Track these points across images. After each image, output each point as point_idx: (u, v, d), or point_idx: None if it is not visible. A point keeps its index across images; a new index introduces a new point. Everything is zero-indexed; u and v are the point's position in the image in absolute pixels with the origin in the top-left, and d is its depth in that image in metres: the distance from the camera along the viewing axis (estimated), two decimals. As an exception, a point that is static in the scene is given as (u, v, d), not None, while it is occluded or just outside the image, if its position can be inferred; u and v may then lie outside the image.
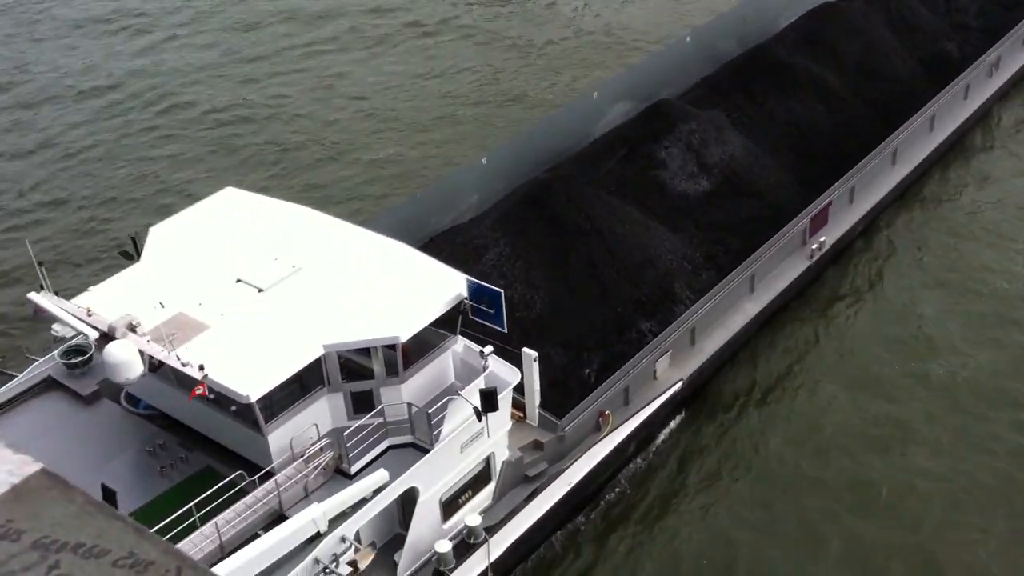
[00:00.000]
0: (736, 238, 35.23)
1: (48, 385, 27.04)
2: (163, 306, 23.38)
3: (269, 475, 23.16)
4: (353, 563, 22.01)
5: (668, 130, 37.27)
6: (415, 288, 24.64)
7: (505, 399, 24.99)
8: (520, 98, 48.57)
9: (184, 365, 21.81)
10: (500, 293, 24.19)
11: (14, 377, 27.08)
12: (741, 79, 42.20)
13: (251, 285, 24.90)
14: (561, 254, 32.12)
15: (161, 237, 26.99)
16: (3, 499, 4.23)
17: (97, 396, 26.59)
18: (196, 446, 24.75)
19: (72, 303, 23.94)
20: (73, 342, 27.54)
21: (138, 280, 25.17)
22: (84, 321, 23.18)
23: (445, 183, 36.28)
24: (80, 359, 27.03)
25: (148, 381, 24.85)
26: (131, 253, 27.07)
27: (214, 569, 20.91)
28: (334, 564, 21.86)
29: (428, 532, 24.63)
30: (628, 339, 31.21)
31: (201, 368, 21.53)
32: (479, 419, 23.96)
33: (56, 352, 27.25)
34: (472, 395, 23.93)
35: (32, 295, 24.24)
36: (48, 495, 4.28)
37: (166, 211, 33.84)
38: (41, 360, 27.39)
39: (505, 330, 24.82)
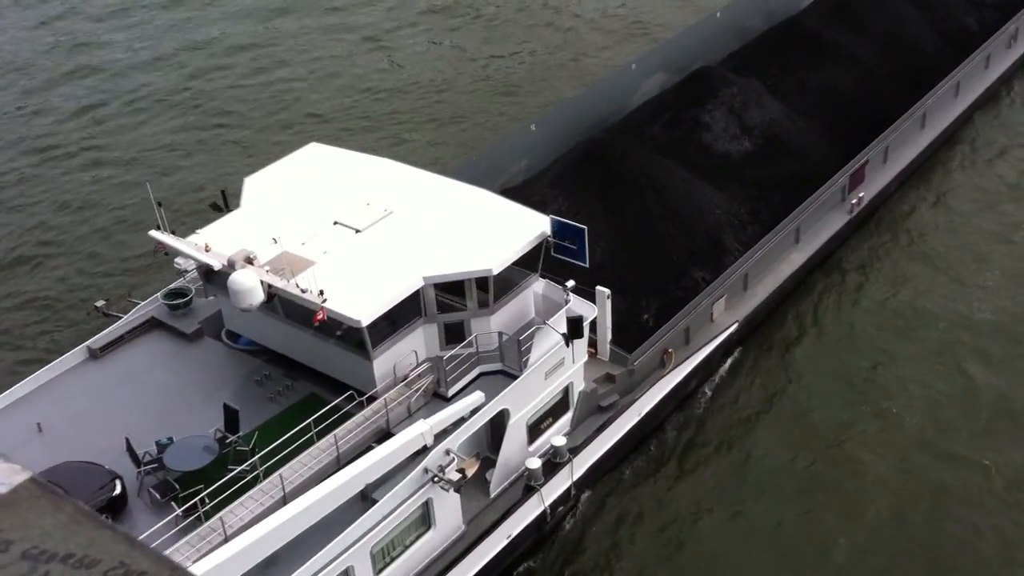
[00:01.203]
0: (777, 196, 37.20)
1: (152, 325, 28.96)
2: (276, 241, 25.28)
3: (373, 399, 25.09)
4: (461, 471, 23.92)
5: (711, 95, 39.26)
6: (502, 227, 26.57)
7: (585, 330, 26.95)
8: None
9: (303, 292, 23.71)
10: (584, 229, 26.14)
11: (119, 319, 28.95)
12: (773, 50, 44.20)
13: (348, 227, 26.80)
14: (618, 208, 34.06)
15: (256, 186, 28.88)
16: None
17: (199, 334, 28.51)
18: (299, 376, 26.67)
19: (189, 240, 25.86)
20: (174, 285, 29.51)
21: (242, 223, 27.05)
22: (205, 255, 25.07)
23: (496, 149, 38.15)
24: (181, 300, 28.96)
25: (251, 317, 26.81)
26: (220, 205, 28.92)
27: (334, 477, 22.87)
28: (442, 473, 23.77)
29: (516, 452, 26.58)
30: (683, 286, 33.17)
31: (321, 293, 23.44)
32: (567, 344, 25.91)
33: (159, 294, 29.19)
34: (558, 324, 25.91)
35: (153, 232, 26.17)
36: (37, 504, 4.18)
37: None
38: (144, 303, 29.26)
39: (587, 265, 26.76)
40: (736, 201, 36.67)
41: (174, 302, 28.87)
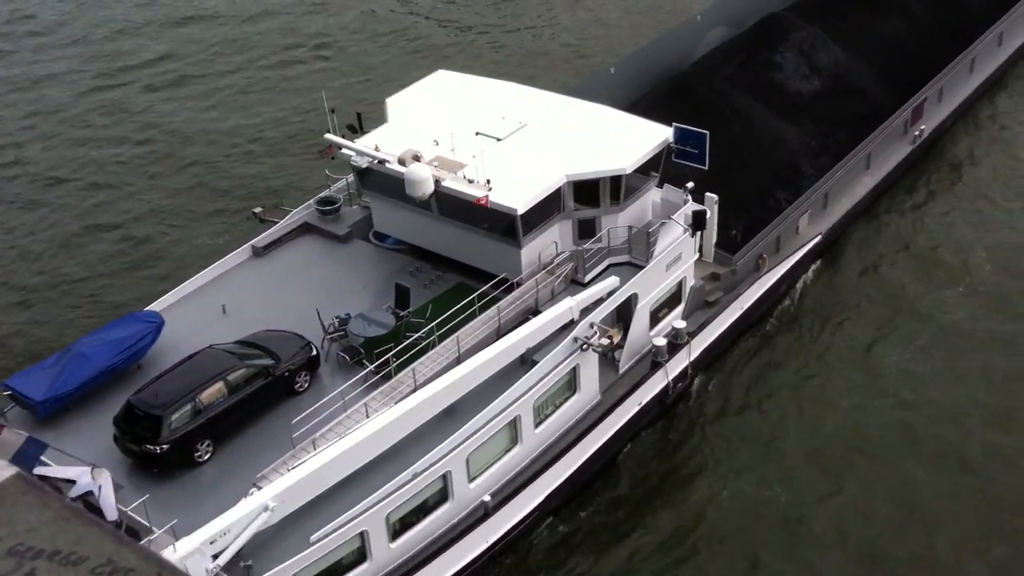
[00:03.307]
0: (843, 131, 40.59)
1: (305, 229, 32.33)
2: (437, 144, 28.63)
3: (518, 286, 28.49)
4: (610, 337, 27.37)
5: (782, 38, 42.65)
6: (629, 135, 30.00)
7: (709, 223, 30.36)
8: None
9: (471, 182, 27.08)
10: (706, 134, 29.56)
11: (275, 224, 32.30)
12: (831, 3, 47.56)
13: (490, 136, 30.14)
14: (706, 136, 37.40)
15: (398, 105, 32.19)
16: None
17: (350, 236, 31.89)
18: (446, 268, 30.06)
19: (359, 142, 29.24)
20: (323, 194, 32.87)
21: (394, 134, 30.35)
22: (378, 152, 28.42)
23: (576, 91, 41.37)
24: (331, 207, 32.32)
25: (401, 217, 30.25)
26: (356, 127, 32.16)
27: (496, 344, 26.28)
28: (591, 340, 27.21)
29: (641, 335, 29.98)
30: (767, 206, 36.57)
31: (488, 182, 26.81)
32: (692, 234, 29.36)
33: (312, 201, 32.54)
34: (683, 218, 29.37)
35: (328, 135, 29.48)
36: (23, 500, 4.11)
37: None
38: (297, 210, 32.61)
39: (706, 167, 30.19)
40: (808, 134, 40.03)
41: (325, 208, 32.23)
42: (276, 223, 32.31)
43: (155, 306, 28.94)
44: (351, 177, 32.73)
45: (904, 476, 28.40)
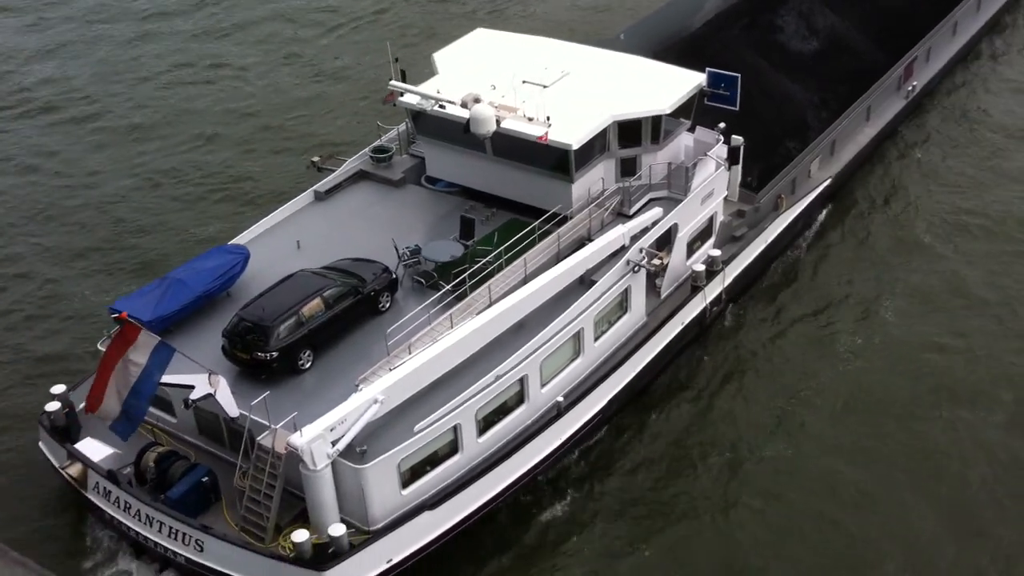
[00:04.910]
0: (843, 87, 43.65)
1: (361, 176, 34.72)
2: (495, 88, 31.14)
3: (568, 220, 31.09)
4: (660, 259, 30.11)
5: (782, 2, 45.73)
6: (665, 80, 32.77)
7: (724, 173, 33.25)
8: None
9: (531, 120, 29.62)
10: (737, 76, 32.43)
11: (332, 172, 34.66)
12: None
13: (536, 84, 32.68)
14: (720, 89, 40.23)
15: (445, 58, 34.64)
16: None
17: (403, 181, 34.32)
18: (497, 207, 32.57)
19: (420, 88, 31.70)
20: (376, 144, 35.24)
21: (448, 82, 32.75)
22: (440, 96, 30.87)
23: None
24: (385, 155, 34.73)
25: (452, 160, 32.75)
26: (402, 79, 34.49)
27: (559, 266, 28.88)
28: (643, 262, 29.92)
29: (680, 262, 32.71)
30: (779, 153, 39.47)
31: (548, 119, 29.36)
32: (728, 168, 32.21)
33: (367, 150, 34.93)
34: (717, 154, 32.19)
35: (393, 83, 31.85)
36: None
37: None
38: (353, 158, 34.99)
39: (737, 108, 33.01)
40: (811, 90, 43.03)
41: (380, 156, 34.64)
42: (333, 171, 34.66)
43: (234, 242, 31.25)
44: (402, 127, 35.18)
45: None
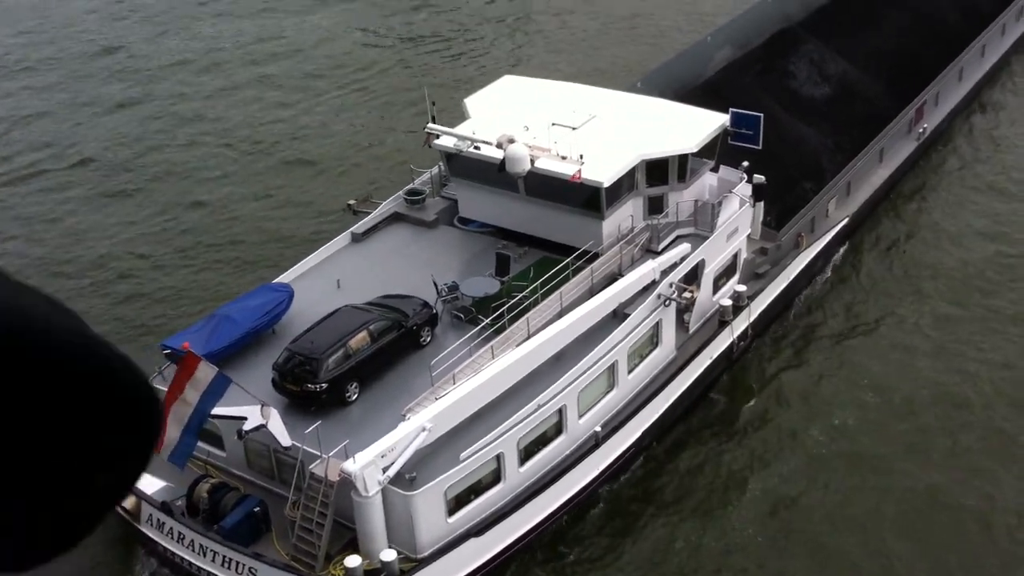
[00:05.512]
0: (856, 130, 44.96)
1: (396, 218, 35.80)
2: (528, 129, 32.31)
3: (598, 257, 32.10)
4: (691, 292, 31.08)
5: (794, 49, 47.16)
6: (689, 121, 33.97)
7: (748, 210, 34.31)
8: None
9: (564, 158, 30.74)
10: (760, 116, 33.62)
11: (367, 214, 35.74)
12: (829, 19, 52.24)
13: (565, 126, 33.84)
14: (738, 132, 41.50)
15: (476, 103, 35.89)
16: None
17: (436, 222, 35.39)
18: (529, 245, 33.60)
19: (456, 130, 32.87)
20: (410, 186, 36.35)
21: (481, 125, 33.92)
22: (476, 137, 32.03)
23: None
24: (418, 197, 35.82)
25: (485, 201, 33.83)
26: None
27: (593, 300, 29.83)
28: (674, 296, 30.87)
29: (707, 298, 33.67)
30: (796, 193, 40.63)
31: (580, 157, 30.49)
32: (753, 205, 33.28)
33: (401, 193, 36.04)
34: (741, 192, 33.29)
35: (430, 126, 33.01)
36: None
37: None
38: (387, 201, 36.08)
39: (759, 147, 34.17)
40: (824, 134, 44.32)
41: (414, 198, 35.74)
42: (368, 214, 35.75)
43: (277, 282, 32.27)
44: (434, 170, 36.33)
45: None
